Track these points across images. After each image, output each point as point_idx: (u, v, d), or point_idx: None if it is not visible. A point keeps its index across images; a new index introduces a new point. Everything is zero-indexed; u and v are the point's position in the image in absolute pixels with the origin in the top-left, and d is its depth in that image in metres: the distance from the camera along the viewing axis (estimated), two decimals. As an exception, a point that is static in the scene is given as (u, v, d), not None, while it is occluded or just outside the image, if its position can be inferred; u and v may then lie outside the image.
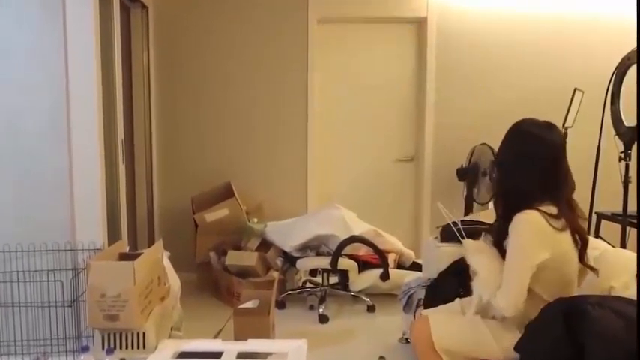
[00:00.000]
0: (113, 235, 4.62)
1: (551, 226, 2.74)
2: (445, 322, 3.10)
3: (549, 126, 2.92)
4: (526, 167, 2.86)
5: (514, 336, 2.78)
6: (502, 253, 2.91)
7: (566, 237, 2.81)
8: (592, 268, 2.93)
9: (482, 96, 6.59)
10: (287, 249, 5.75)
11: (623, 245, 4.88)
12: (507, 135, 3.03)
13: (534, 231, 2.74)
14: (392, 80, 6.87)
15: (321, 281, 5.86)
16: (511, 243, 2.79)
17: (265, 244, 5.95)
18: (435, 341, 2.98)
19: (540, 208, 2.78)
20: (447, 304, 3.39)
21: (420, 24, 6.72)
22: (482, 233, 3.25)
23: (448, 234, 3.98)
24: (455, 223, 3.52)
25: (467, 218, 4.60)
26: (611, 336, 2.43)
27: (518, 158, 2.90)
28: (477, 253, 3.03)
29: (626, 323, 2.44)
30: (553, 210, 2.79)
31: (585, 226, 3.06)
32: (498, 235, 2.97)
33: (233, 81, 6.56)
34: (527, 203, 2.80)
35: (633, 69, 4.97)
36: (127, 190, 5.09)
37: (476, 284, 2.97)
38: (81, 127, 4.08)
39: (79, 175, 4.09)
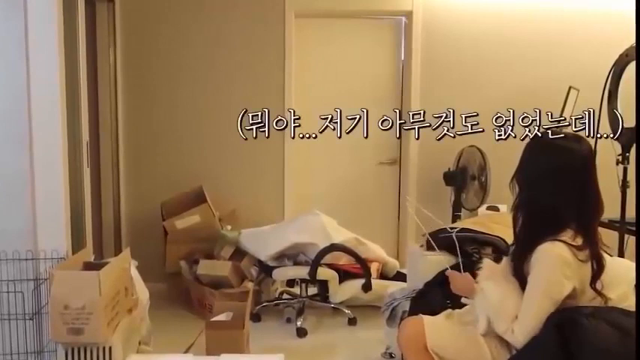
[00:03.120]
0: (77, 243, 4.60)
1: (577, 258, 2.75)
2: (440, 327, 3.13)
3: (578, 138, 2.96)
4: (561, 185, 2.86)
5: (510, 353, 2.81)
6: (520, 279, 2.91)
7: (588, 267, 2.83)
8: (601, 295, 2.90)
9: (470, 94, 6.59)
10: (263, 258, 5.76)
11: (621, 254, 4.84)
12: (532, 147, 3.06)
13: (561, 265, 2.75)
14: (374, 78, 6.90)
15: (299, 292, 5.86)
16: (535, 276, 2.79)
17: (239, 253, 5.96)
18: (427, 341, 3.00)
19: (566, 236, 2.78)
20: (436, 316, 3.40)
21: (404, 18, 6.72)
22: (503, 258, 3.22)
23: (436, 242, 4.00)
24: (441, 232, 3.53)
25: (454, 225, 4.64)
26: (604, 348, 2.46)
27: (551, 174, 2.89)
28: (494, 278, 3.02)
29: (622, 335, 2.47)
30: (579, 239, 2.79)
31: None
32: (519, 260, 2.95)
33: (205, 79, 6.57)
34: (557, 228, 2.81)
35: (632, 66, 4.95)
36: (92, 195, 5.07)
37: (481, 304, 2.98)
38: (42, 127, 4.05)
39: (41, 179, 4.07)
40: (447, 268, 3.39)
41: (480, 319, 2.98)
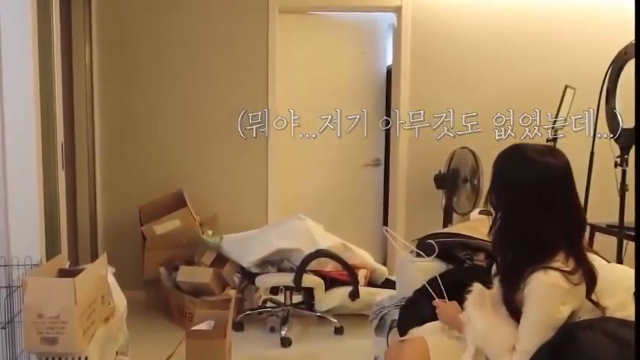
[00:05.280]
0: (52, 249, 4.59)
1: (572, 283, 2.72)
2: (447, 351, 3.08)
3: (553, 151, 2.88)
4: (542, 204, 2.80)
5: None
6: (510, 308, 2.89)
7: (583, 285, 2.81)
8: (599, 306, 2.91)
9: (462, 93, 6.64)
10: (245, 264, 5.77)
11: (619, 260, 4.88)
12: (506, 164, 2.99)
13: (557, 295, 2.72)
14: (360, 75, 6.92)
15: (283, 300, 5.88)
16: (532, 309, 2.75)
17: (221, 259, 5.97)
18: None
19: (559, 262, 2.75)
20: (427, 325, 3.39)
21: (393, 13, 6.74)
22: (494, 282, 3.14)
23: (426, 248, 4.02)
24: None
25: (445, 230, 4.65)
26: (601, 361, 2.46)
27: (530, 196, 2.83)
28: (483, 306, 2.99)
29: (619, 347, 2.46)
30: (570, 262, 2.77)
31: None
32: (509, 290, 2.90)
33: (185, 77, 6.58)
34: (546, 253, 2.77)
35: (631, 64, 4.97)
36: (67, 198, 5.06)
37: (469, 333, 2.98)
38: (15, 129, 4.05)
39: (14, 182, 4.06)
40: (435, 298, 3.35)
41: (468, 346, 2.98)
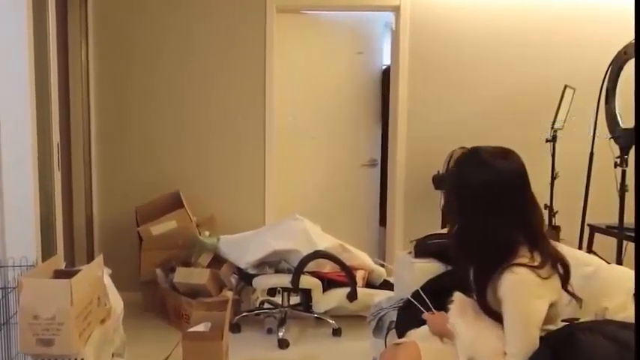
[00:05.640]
0: (48, 250, 4.59)
1: (541, 277, 2.74)
2: (440, 356, 3.07)
3: (505, 153, 2.92)
4: (498, 209, 2.84)
5: None
6: (490, 314, 2.90)
7: (555, 277, 2.83)
8: (575, 297, 2.93)
9: (461, 93, 6.65)
10: (242, 265, 5.77)
11: (619, 261, 4.86)
12: (460, 166, 3.06)
13: (529, 290, 2.74)
14: (358, 75, 6.93)
15: (280, 302, 5.89)
16: (510, 311, 2.77)
17: (218, 260, 5.97)
18: None
19: (524, 258, 2.78)
20: (425, 327, 3.39)
21: (392, 12, 6.74)
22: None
23: (424, 248, 4.02)
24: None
25: (444, 231, 4.65)
26: (601, 364, 2.47)
27: (484, 198, 2.87)
28: (466, 315, 2.99)
29: (620, 349, 2.47)
30: (536, 257, 2.79)
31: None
32: (480, 298, 2.94)
33: (182, 78, 6.58)
34: (510, 253, 2.80)
35: (630, 64, 4.95)
36: (63, 199, 5.06)
37: (458, 343, 2.98)
38: (11, 129, 4.04)
39: (9, 182, 4.05)
40: (424, 312, 3.36)
41: (460, 357, 2.97)
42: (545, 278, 2.75)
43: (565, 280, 2.88)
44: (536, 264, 2.76)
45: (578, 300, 2.95)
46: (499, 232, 2.83)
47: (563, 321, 2.97)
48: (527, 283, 2.73)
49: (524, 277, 2.73)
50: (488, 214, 2.84)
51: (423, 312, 3.33)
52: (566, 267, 2.88)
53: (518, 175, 2.87)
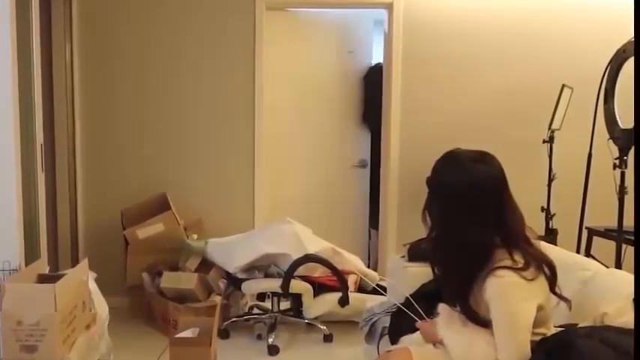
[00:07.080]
0: (31, 254, 4.58)
1: (526, 279, 2.75)
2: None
3: (483, 156, 2.94)
4: (475, 212, 2.87)
5: None
6: (477, 322, 2.90)
7: (541, 278, 2.83)
8: (564, 299, 2.94)
9: (456, 93, 6.62)
10: (231, 270, 5.75)
11: (618, 265, 4.86)
12: (437, 169, 3.11)
13: (515, 293, 2.75)
14: (349, 74, 6.93)
15: (270, 307, 5.87)
16: (498, 315, 2.78)
17: (206, 265, 5.96)
18: None
19: (506, 261, 2.79)
20: (416, 334, 3.38)
21: (384, 9, 6.69)
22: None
23: (418, 252, 4.01)
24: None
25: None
26: (599, 370, 2.47)
27: (461, 200, 2.90)
28: (453, 324, 2.98)
29: (619, 356, 2.47)
30: (518, 259, 2.80)
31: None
32: (463, 305, 2.95)
33: (169, 78, 6.56)
34: (488, 256, 2.82)
35: (630, 63, 4.93)
36: (47, 201, 5.05)
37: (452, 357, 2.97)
38: (-7, 129, 4.05)
39: (-9, 184, 4.06)
40: (417, 320, 3.36)
41: None
42: (531, 280, 2.76)
43: (552, 281, 2.89)
44: (519, 266, 2.77)
45: (567, 302, 2.96)
46: (476, 234, 2.85)
47: (560, 326, 2.98)
48: (511, 284, 2.74)
49: (509, 280, 2.74)
50: (465, 218, 2.87)
51: (416, 320, 3.33)
52: (552, 268, 2.89)
53: (497, 177, 2.90)
